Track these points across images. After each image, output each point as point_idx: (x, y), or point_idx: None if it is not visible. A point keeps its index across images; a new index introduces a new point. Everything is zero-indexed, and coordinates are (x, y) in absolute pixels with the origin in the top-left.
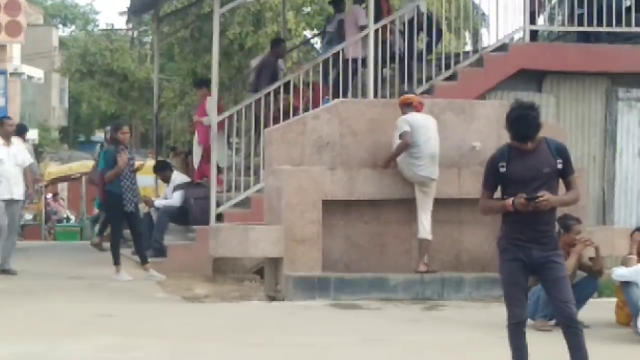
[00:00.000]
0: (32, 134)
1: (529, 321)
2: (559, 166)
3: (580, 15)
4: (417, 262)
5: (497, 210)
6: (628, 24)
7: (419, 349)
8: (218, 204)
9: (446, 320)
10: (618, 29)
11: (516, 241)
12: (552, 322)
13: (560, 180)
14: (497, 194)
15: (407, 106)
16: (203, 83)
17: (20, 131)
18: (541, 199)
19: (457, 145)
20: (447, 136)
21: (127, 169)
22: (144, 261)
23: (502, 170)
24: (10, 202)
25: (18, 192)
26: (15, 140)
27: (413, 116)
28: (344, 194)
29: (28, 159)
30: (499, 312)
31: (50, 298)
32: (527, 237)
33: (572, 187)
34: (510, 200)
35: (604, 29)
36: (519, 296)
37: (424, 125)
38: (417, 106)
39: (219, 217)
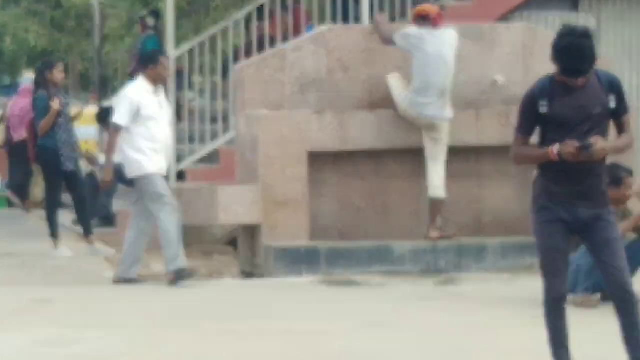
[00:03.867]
0: None
1: (569, 296)
2: (612, 105)
3: None
4: (428, 227)
5: (536, 159)
6: None
7: (431, 332)
8: (179, 159)
9: (465, 297)
10: None
11: (558, 197)
12: (597, 296)
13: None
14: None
15: (423, 19)
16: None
17: None
18: (595, 146)
19: (474, 80)
20: (461, 69)
21: (63, 118)
22: (87, 232)
23: (543, 110)
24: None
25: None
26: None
27: (422, 35)
28: (334, 143)
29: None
30: (531, 285)
31: None
32: (572, 192)
33: (625, 129)
34: (554, 148)
35: None
36: (560, 265)
37: (435, 51)
38: (436, 19)
39: (181, 176)
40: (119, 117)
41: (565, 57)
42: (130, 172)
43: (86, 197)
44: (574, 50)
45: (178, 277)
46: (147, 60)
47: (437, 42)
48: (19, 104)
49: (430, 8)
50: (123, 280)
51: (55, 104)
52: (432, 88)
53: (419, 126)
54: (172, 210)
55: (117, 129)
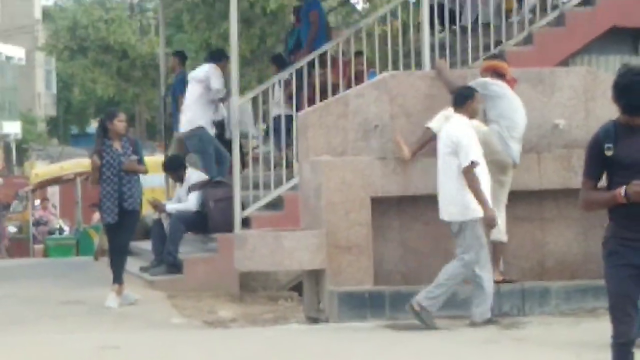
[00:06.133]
0: (13, 127)
1: (638, 340)
2: None
3: None
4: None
5: (605, 203)
6: None
7: None
8: (244, 206)
9: (529, 341)
10: None
11: (629, 242)
12: None
13: None
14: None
15: (498, 75)
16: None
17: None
18: None
19: (535, 124)
20: None
21: (110, 170)
22: (116, 279)
23: (609, 152)
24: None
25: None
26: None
27: (502, 85)
28: (397, 188)
29: None
30: (594, 328)
31: (43, 327)
32: None
33: None
34: (621, 190)
35: None
36: (629, 310)
37: (517, 99)
38: (510, 82)
39: (246, 223)
40: (475, 154)
41: (626, 95)
42: (463, 214)
43: (124, 248)
44: (634, 88)
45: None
46: (465, 97)
47: (515, 94)
48: None
49: (508, 69)
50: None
51: (94, 160)
52: (518, 131)
53: (491, 163)
54: (489, 261)
55: (475, 167)
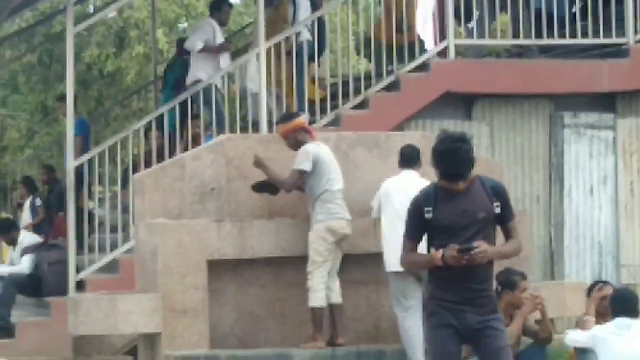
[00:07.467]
0: None
1: None
2: (497, 210)
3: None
4: (329, 333)
5: (423, 265)
6: (573, 35)
7: None
8: (78, 269)
9: None
10: (561, 41)
11: (447, 303)
12: None
13: (498, 227)
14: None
15: (305, 132)
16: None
17: None
18: (477, 250)
19: (371, 188)
20: (358, 177)
21: None
22: None
23: (428, 216)
24: None
25: None
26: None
27: (317, 150)
28: (233, 251)
29: None
30: None
31: None
32: (460, 297)
33: (512, 235)
34: (439, 253)
35: (545, 41)
36: None
37: (329, 157)
38: (312, 132)
39: (80, 286)
40: None
41: (443, 161)
42: None
43: None
44: (451, 155)
45: None
46: (418, 155)
47: (325, 149)
48: None
49: (306, 123)
50: None
51: None
52: (338, 193)
53: (339, 238)
54: None
55: None
